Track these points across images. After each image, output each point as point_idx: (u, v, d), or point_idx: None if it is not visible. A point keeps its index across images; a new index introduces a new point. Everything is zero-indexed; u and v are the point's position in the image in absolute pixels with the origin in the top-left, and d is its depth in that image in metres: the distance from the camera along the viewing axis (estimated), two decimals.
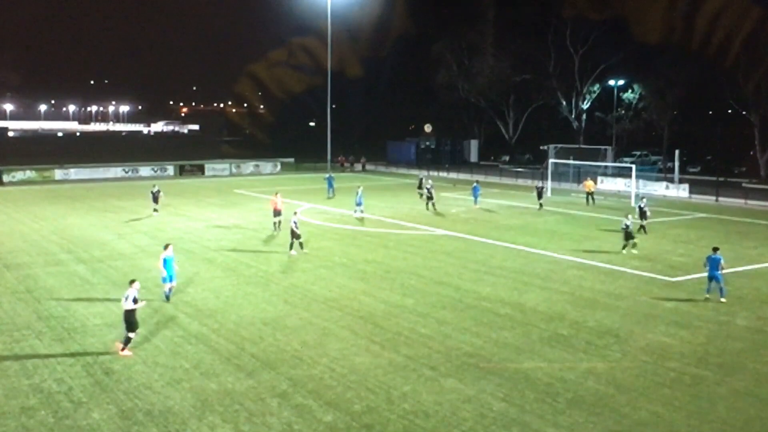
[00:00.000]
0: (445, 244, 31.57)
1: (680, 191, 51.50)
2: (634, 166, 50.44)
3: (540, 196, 43.36)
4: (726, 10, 64.85)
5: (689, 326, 19.20)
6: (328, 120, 78.18)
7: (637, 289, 23.20)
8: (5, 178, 60.61)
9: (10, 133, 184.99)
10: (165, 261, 20.89)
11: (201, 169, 70.72)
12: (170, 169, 69.21)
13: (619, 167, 60.16)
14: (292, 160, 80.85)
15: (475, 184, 45.70)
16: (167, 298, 21.22)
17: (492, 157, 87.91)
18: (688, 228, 36.70)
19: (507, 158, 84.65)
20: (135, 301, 16.59)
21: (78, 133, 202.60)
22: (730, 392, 14.75)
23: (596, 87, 78.71)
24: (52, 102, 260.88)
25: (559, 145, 65.93)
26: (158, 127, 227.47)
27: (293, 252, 28.39)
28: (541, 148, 75.75)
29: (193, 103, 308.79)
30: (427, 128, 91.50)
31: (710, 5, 66.34)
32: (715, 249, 21.68)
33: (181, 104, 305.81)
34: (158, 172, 68.43)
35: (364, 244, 31.37)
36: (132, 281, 17.12)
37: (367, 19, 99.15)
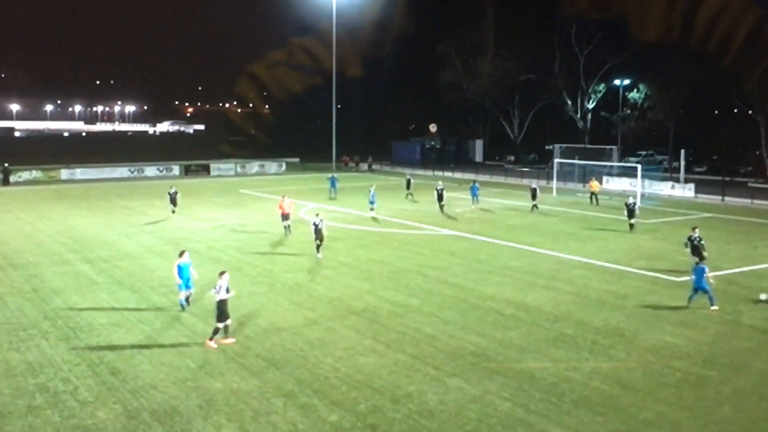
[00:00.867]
0: (450, 244, 31.56)
1: (686, 191, 51.36)
2: (639, 166, 50.30)
3: (534, 196, 42.51)
4: (730, 8, 64.68)
5: (695, 326, 19.15)
6: (333, 120, 78.25)
7: (642, 288, 23.16)
8: (12, 178, 60.84)
9: (17, 133, 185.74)
10: (180, 268, 19.97)
11: (206, 169, 70.87)
12: (176, 169, 69.40)
13: (624, 167, 60.02)
14: (297, 160, 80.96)
15: (473, 183, 45.31)
16: (182, 306, 20.25)
17: (497, 157, 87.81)
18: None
19: (512, 158, 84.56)
20: (227, 291, 17.18)
21: (84, 133, 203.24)
22: (736, 392, 14.71)
23: (601, 86, 78.56)
24: (58, 102, 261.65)
25: (565, 145, 65.82)
26: (164, 127, 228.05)
27: (319, 255, 27.74)
28: (547, 147, 75.67)
29: (199, 103, 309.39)
30: (432, 128, 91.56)
31: (715, 4, 66.19)
32: (701, 258, 21.16)
33: (187, 104, 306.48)
34: (164, 172, 68.64)
35: (370, 243, 31.38)
36: (222, 272, 17.66)
37: (368, 18, 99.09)
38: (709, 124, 77.50)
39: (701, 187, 51.40)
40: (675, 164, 63.07)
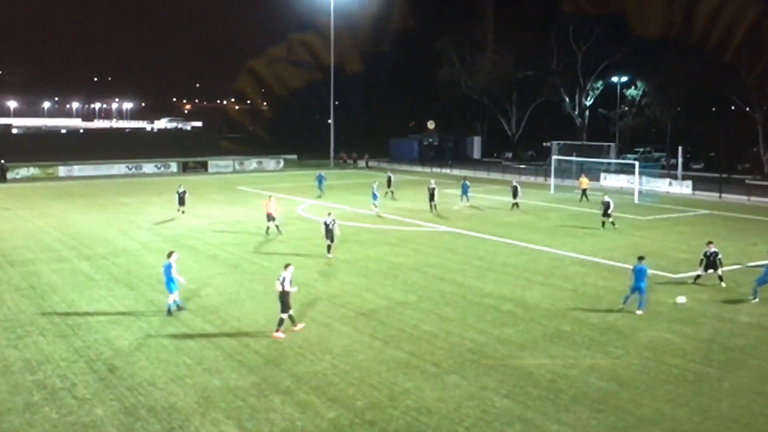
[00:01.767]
0: (448, 240, 31.57)
1: (683, 188, 51.40)
2: (637, 163, 50.36)
3: (515, 194, 41.78)
4: (729, 4, 64.67)
5: (692, 323, 19.18)
6: (331, 116, 78.24)
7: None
8: (9, 174, 60.74)
9: (14, 130, 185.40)
10: (166, 268, 19.49)
11: (204, 166, 70.79)
12: (173, 166, 69.30)
13: (622, 164, 60.06)
14: (295, 156, 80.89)
15: (463, 181, 44.77)
16: (169, 311, 19.59)
17: (495, 154, 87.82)
18: (691, 225, 36.64)
19: (510, 155, 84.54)
20: (290, 284, 17.69)
21: (81, 130, 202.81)
22: (734, 389, 14.74)
23: (599, 83, 78.55)
24: (56, 99, 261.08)
25: (562, 142, 65.83)
26: (161, 124, 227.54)
27: (330, 255, 27.30)
28: (544, 144, 75.64)
29: (196, 100, 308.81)
30: (430, 125, 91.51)
31: (713, 0, 66.17)
32: (641, 258, 20.19)
33: (184, 101, 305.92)
34: (161, 169, 68.54)
35: (367, 240, 31.37)
36: (287, 265, 18.11)
37: (367, 14, 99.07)
38: (707, 121, 77.52)
39: (699, 184, 51.44)
40: (672, 161, 63.08)
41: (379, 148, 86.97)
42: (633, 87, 75.95)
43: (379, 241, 31.08)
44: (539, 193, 51.13)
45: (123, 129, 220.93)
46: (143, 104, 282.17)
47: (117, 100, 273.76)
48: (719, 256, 22.70)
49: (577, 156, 58.22)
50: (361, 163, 77.96)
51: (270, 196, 34.54)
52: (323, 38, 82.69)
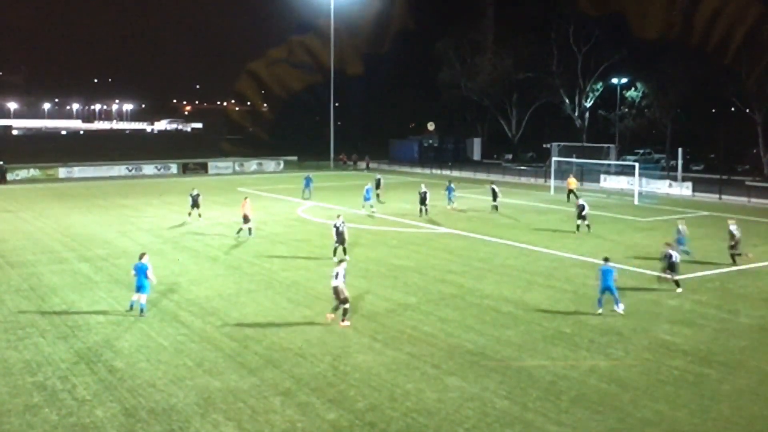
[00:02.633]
0: (448, 242, 31.57)
1: (683, 189, 51.41)
2: (637, 165, 50.38)
3: (494, 197, 41.38)
4: (729, 6, 64.71)
5: (692, 324, 19.19)
6: (331, 118, 78.25)
7: (639, 286, 23.17)
8: (9, 176, 60.75)
9: (14, 132, 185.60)
10: (140, 269, 19.51)
11: (204, 168, 70.79)
12: (173, 168, 69.30)
13: (622, 165, 60.07)
14: (295, 158, 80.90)
15: (448, 183, 44.13)
16: (131, 307, 19.77)
17: (495, 155, 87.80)
18: (691, 226, 36.47)
19: (510, 156, 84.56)
20: (344, 277, 18.65)
21: (82, 132, 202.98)
22: (734, 390, 14.74)
23: (599, 85, 78.54)
24: (56, 100, 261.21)
25: (562, 144, 65.83)
26: (161, 125, 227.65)
27: (335, 258, 26.57)
28: (544, 146, 75.67)
29: (196, 102, 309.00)
30: (430, 126, 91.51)
31: (713, 1, 66.21)
32: (606, 259, 20.33)
33: (184, 102, 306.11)
34: (161, 170, 68.56)
35: (367, 242, 31.37)
36: (341, 260, 19.35)
37: (367, 16, 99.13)
38: (707, 122, 77.53)
39: (699, 185, 51.45)
40: (672, 162, 63.08)
41: (379, 149, 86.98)
42: (633, 88, 75.97)
43: (379, 243, 31.07)
44: (539, 194, 51.13)
45: (123, 130, 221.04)
46: (143, 105, 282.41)
47: (117, 101, 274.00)
48: (674, 258, 22.15)
49: (576, 157, 58.25)
50: (362, 164, 77.87)
51: (245, 198, 34.12)
52: (323, 40, 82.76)
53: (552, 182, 54.26)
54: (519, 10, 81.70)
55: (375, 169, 74.20)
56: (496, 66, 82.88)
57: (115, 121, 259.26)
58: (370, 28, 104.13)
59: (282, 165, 75.22)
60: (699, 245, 30.59)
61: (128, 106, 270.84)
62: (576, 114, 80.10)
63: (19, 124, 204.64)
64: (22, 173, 62.51)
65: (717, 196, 48.81)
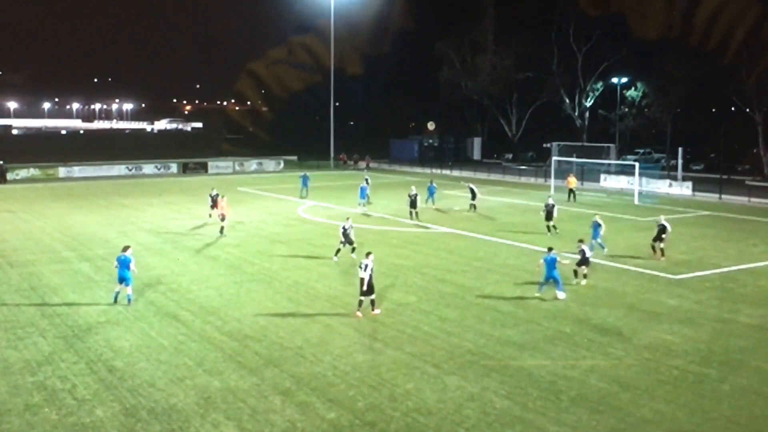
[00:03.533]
0: (448, 241, 31.57)
1: (683, 189, 51.41)
2: (637, 164, 50.37)
3: (473, 196, 41.12)
4: (729, 6, 64.72)
5: (692, 324, 19.19)
6: (331, 117, 78.23)
7: (640, 286, 23.19)
8: (9, 175, 60.74)
9: (14, 131, 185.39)
10: (122, 260, 20.05)
11: (204, 167, 70.79)
12: (173, 167, 69.30)
13: (622, 165, 60.06)
14: (295, 158, 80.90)
15: (430, 183, 43.87)
16: (115, 299, 20.43)
17: (495, 155, 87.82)
18: (692, 226, 36.64)
19: (510, 156, 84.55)
20: (372, 270, 19.36)
21: (82, 131, 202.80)
22: (734, 390, 14.74)
23: (599, 85, 78.55)
24: (56, 100, 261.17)
25: (563, 143, 65.82)
26: (161, 125, 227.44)
27: (336, 258, 26.99)
28: (545, 145, 75.68)
29: (197, 101, 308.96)
30: (430, 126, 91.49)
31: (713, 1, 66.20)
32: (550, 249, 21.79)
33: (185, 102, 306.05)
34: (162, 169, 68.56)
35: (367, 241, 31.31)
36: (368, 253, 19.92)
37: (368, 15, 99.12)
38: (707, 122, 77.56)
39: (699, 185, 51.44)
40: (673, 162, 63.09)
41: (379, 149, 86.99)
42: (633, 88, 75.99)
43: (379, 242, 31.05)
44: (539, 194, 51.10)
45: (123, 130, 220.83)
46: (143, 105, 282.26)
47: (117, 100, 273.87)
48: (587, 254, 23.37)
49: (577, 157, 58.26)
50: (362, 164, 77.81)
51: (223, 197, 33.87)
52: (324, 40, 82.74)
53: (552, 182, 54.25)
54: (519, 9, 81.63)
55: (375, 169, 74.24)
56: (497, 65, 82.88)
57: (115, 120, 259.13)
58: (370, 27, 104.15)
59: (282, 165, 75.22)
60: (698, 245, 30.63)
61: (128, 106, 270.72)
62: (576, 113, 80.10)
63: (19, 124, 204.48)
64: (22, 173, 62.50)
65: (717, 195, 48.81)
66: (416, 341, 17.61)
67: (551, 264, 21.25)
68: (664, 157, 71.96)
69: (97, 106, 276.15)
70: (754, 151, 66.72)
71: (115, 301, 20.57)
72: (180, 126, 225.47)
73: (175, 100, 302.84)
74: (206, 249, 29.40)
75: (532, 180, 62.63)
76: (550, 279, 21.39)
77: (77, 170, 65.34)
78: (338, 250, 27.06)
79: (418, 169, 74.02)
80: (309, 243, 30.83)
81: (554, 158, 57.79)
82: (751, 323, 19.37)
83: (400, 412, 13.53)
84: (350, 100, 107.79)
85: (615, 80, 76.22)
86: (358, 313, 19.55)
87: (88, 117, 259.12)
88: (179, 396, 14.22)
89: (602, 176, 57.48)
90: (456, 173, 67.95)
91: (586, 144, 71.39)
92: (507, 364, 16.09)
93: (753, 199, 46.99)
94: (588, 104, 80.00)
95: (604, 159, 60.29)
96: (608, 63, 74.59)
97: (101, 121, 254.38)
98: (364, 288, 19.38)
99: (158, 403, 13.87)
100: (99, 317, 19.51)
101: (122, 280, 20.34)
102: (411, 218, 37.50)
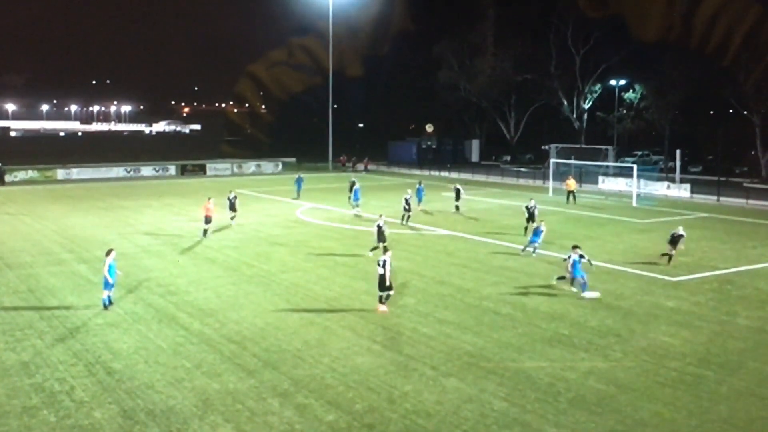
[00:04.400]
0: (447, 244, 31.58)
1: (681, 191, 51.46)
2: (635, 166, 50.41)
3: (458, 197, 41.02)
4: (727, 8, 64.82)
5: (690, 326, 19.20)
6: (329, 120, 78.23)
7: (638, 288, 23.20)
8: (7, 177, 60.68)
9: (13, 133, 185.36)
10: (110, 267, 20.00)
11: (203, 169, 70.78)
12: (172, 169, 69.27)
13: (620, 167, 60.11)
14: (293, 160, 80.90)
15: (419, 184, 43.56)
16: (105, 305, 20.33)
17: (493, 157, 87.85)
18: (690, 228, 36.50)
19: (508, 158, 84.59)
20: (389, 266, 19.94)
21: (80, 133, 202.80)
22: (732, 392, 14.75)
23: (597, 87, 78.68)
24: (54, 102, 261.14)
25: (561, 145, 65.86)
26: (160, 127, 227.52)
27: (371, 253, 27.35)
28: (543, 148, 75.70)
29: (195, 103, 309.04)
30: (429, 128, 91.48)
31: (711, 3, 66.28)
32: (575, 247, 22.29)
33: (183, 104, 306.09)
34: (160, 171, 68.53)
35: (366, 243, 31.33)
36: (386, 249, 20.79)
37: (367, 18, 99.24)
38: (705, 124, 77.65)
39: (697, 187, 51.48)
40: (671, 164, 63.18)
41: (378, 151, 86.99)
42: (631, 90, 76.11)
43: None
44: (537, 196, 50.92)
45: (121, 132, 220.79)
46: (142, 107, 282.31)
47: (115, 103, 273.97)
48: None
49: (575, 159, 58.30)
50: (360, 166, 77.78)
51: (209, 198, 33.75)
52: (323, 42, 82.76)
53: (551, 184, 54.30)
54: (518, 12, 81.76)
55: (373, 171, 74.23)
56: (495, 68, 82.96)
57: (113, 122, 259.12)
58: (369, 29, 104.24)
59: (280, 167, 75.20)
60: (696, 247, 30.64)
61: (126, 108, 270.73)
62: (574, 116, 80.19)
63: (17, 126, 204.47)
64: (21, 175, 62.43)
65: (715, 197, 48.87)
66: (415, 343, 17.61)
67: (576, 263, 21.74)
68: (662, 159, 72.05)
69: (96, 108, 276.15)
70: (752, 153, 66.81)
71: (110, 303, 20.45)
72: (178, 128, 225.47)
73: (173, 102, 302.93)
74: (204, 251, 29.38)
75: (530, 182, 62.66)
76: (576, 278, 21.88)
77: (75, 172, 65.31)
78: (375, 248, 27.39)
79: (416, 171, 74.03)
80: (307, 245, 30.82)
81: (552, 160, 57.85)
82: (749, 325, 19.38)
83: (398, 414, 13.53)
84: (349, 102, 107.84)
85: (613, 82, 76.35)
86: (381, 308, 20.10)
87: (87, 119, 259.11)
88: (177, 398, 14.21)
89: (600, 178, 57.52)
90: (454, 175, 67.94)
91: (584, 146, 71.44)
92: (505, 366, 16.09)
93: (751, 201, 47.03)
94: (586, 106, 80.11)
95: (602, 161, 60.32)
96: (606, 65, 74.72)
97: (100, 123, 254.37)
98: (387, 284, 19.96)
99: (156, 405, 13.86)
100: (97, 319, 19.50)
101: (111, 284, 20.28)
102: (402, 221, 36.33)
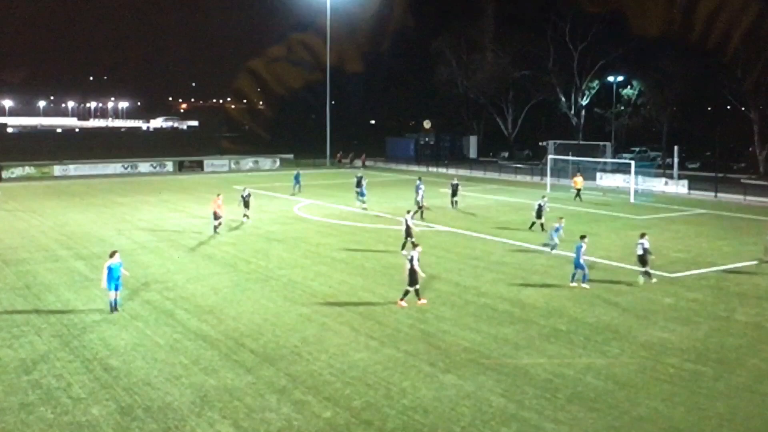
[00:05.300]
0: (444, 240, 31.57)
1: (679, 187, 51.49)
2: (633, 162, 50.42)
3: (454, 193, 41.16)
4: (726, 4, 64.77)
5: (688, 322, 19.22)
6: (327, 115, 78.15)
7: (636, 285, 23.20)
8: (4, 174, 60.59)
9: (9, 129, 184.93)
10: (109, 269, 19.31)
11: (200, 165, 70.70)
12: (169, 165, 69.20)
13: (618, 163, 60.18)
14: (291, 156, 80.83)
15: (418, 181, 42.78)
16: (111, 308, 19.60)
17: (491, 153, 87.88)
18: (688, 224, 36.71)
19: (506, 154, 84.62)
20: (417, 261, 20.09)
21: (77, 129, 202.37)
22: (729, 388, 14.76)
23: (595, 83, 78.67)
24: (51, 98, 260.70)
25: (558, 141, 65.90)
26: (157, 123, 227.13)
27: (405, 252, 26.88)
28: (540, 144, 75.82)
29: (192, 99, 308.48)
30: (426, 124, 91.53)
31: (710, 0, 66.25)
32: (582, 237, 22.66)
33: (180, 100, 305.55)
34: (157, 168, 68.43)
35: (363, 239, 31.36)
36: (415, 245, 21.12)
37: (365, 14, 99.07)
38: (703, 120, 77.84)
39: (694, 183, 51.51)
40: (668, 160, 63.23)
41: (376, 147, 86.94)
42: (629, 86, 76.12)
43: (375, 241, 31.07)
44: (535, 192, 51.12)
45: (119, 128, 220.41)
46: (139, 103, 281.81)
47: (113, 99, 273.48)
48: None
49: (573, 155, 58.29)
50: (358, 162, 77.71)
51: (218, 195, 33.89)
52: (322, 38, 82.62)
53: (548, 180, 54.30)
54: (516, 7, 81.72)
55: (371, 167, 74.16)
56: (493, 64, 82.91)
57: (110, 118, 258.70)
58: (368, 26, 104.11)
59: (278, 163, 75.12)
60: (694, 243, 30.67)
61: (124, 104, 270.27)
62: (572, 112, 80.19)
63: (14, 122, 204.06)
64: (17, 171, 62.31)
65: (713, 194, 48.90)
66: (412, 339, 17.61)
67: (577, 252, 22.18)
68: (659, 155, 72.08)
69: (93, 105, 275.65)
70: (750, 149, 66.89)
71: (116, 307, 19.74)
72: (175, 124, 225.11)
73: (170, 98, 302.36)
74: (202, 247, 29.36)
75: (528, 178, 62.65)
76: (578, 268, 22.34)
77: (73, 168, 65.17)
78: (404, 244, 27.98)
79: (414, 167, 74.00)
80: (305, 241, 30.80)
81: (550, 156, 57.83)
82: (746, 321, 19.40)
83: (396, 411, 13.52)
84: (348, 98, 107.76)
85: (611, 78, 76.32)
86: (402, 303, 20.38)
87: (84, 115, 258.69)
88: (175, 394, 14.19)
89: (598, 174, 57.50)
90: (452, 171, 67.93)
91: (582, 142, 71.47)
92: (503, 363, 16.09)
93: (748, 198, 47.08)
94: (584, 102, 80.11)
95: (600, 157, 60.35)
96: (604, 61, 74.69)
97: (97, 120, 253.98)
98: (418, 279, 20.21)
99: (154, 402, 13.84)
100: (94, 316, 19.46)
101: (115, 287, 19.57)
102: (419, 217, 36.56)
